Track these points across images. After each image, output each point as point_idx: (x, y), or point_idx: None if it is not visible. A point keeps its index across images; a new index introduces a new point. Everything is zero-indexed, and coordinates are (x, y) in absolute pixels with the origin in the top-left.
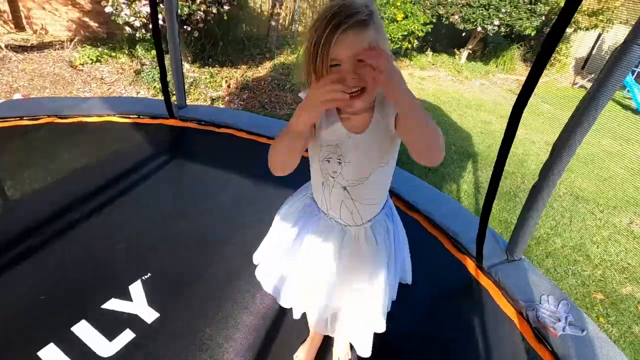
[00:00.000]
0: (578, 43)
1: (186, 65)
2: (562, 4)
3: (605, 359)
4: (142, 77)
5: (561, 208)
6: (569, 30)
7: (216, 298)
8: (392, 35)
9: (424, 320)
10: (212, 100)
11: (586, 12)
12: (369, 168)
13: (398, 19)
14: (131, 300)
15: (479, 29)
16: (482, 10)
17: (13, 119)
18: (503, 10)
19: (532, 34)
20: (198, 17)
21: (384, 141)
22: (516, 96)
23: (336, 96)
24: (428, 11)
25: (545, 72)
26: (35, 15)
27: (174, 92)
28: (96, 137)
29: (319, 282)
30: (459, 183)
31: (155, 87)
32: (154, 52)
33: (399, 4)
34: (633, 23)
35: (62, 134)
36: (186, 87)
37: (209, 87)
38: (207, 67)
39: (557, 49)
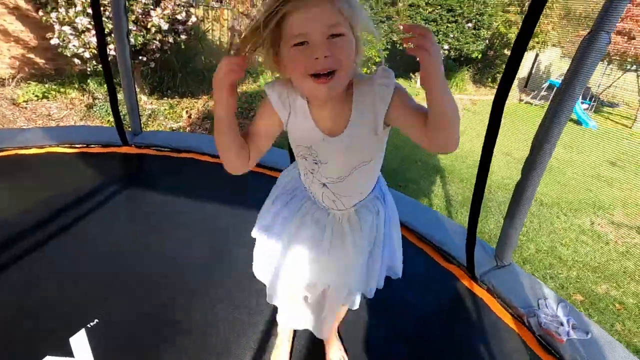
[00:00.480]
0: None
1: (143, 98)
2: (502, 29)
3: None
4: (95, 112)
5: (529, 214)
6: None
7: (180, 347)
8: None
9: (423, 335)
10: (173, 130)
11: None
12: (348, 168)
13: None
14: (72, 355)
15: None
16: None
17: None
18: (451, 35)
19: (479, 57)
20: (154, 47)
21: (367, 141)
22: (470, 113)
23: (232, 62)
24: (383, 38)
25: (494, 91)
26: None
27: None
28: (36, 171)
29: (306, 263)
30: (430, 197)
31: (109, 120)
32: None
33: None
34: (563, 45)
35: None
36: (144, 119)
37: (169, 119)
38: (166, 98)
39: (501, 70)
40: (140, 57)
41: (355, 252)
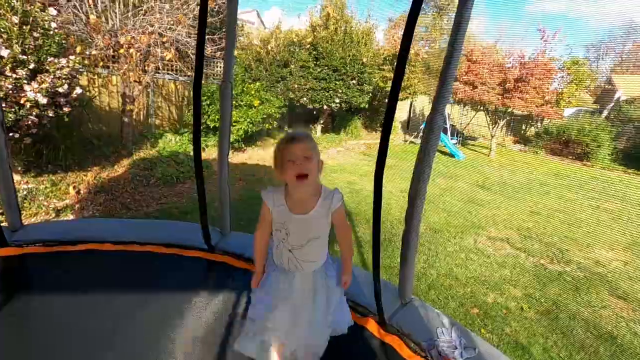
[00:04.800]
0: (399, 111)
1: (16, 177)
2: (380, 84)
3: None
4: None
5: (427, 243)
6: None
7: None
8: (252, 118)
9: None
10: (58, 211)
11: None
12: (305, 238)
13: (255, 104)
14: None
15: (325, 107)
16: (324, 92)
17: None
18: (340, 90)
19: (366, 107)
20: (29, 122)
21: (318, 224)
22: (367, 156)
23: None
24: (280, 96)
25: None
26: None
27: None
28: None
29: (291, 315)
30: None
31: None
32: None
33: (253, 92)
34: (429, 93)
35: None
36: (19, 201)
37: (52, 197)
38: (46, 174)
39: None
40: (11, 135)
41: (315, 308)
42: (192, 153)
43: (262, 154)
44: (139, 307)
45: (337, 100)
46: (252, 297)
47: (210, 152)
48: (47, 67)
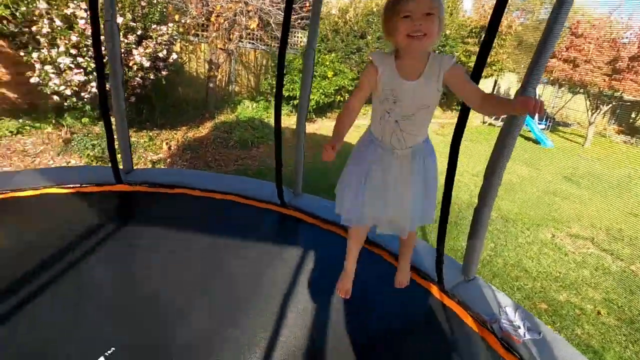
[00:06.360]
0: (482, 89)
1: None
2: (462, 58)
3: (563, 356)
4: (73, 146)
5: (496, 231)
6: None
7: None
8: (325, 90)
9: (402, 339)
10: (153, 163)
11: None
12: (415, 107)
13: (329, 76)
14: None
15: None
16: None
17: None
18: None
19: None
20: (135, 83)
21: (428, 91)
22: (440, 136)
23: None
24: (354, 68)
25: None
26: None
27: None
28: (34, 212)
29: (384, 190)
30: None
31: (88, 154)
32: (84, 119)
33: (327, 63)
34: (519, 71)
35: None
36: None
37: (149, 150)
38: (144, 130)
39: None
40: None
41: (413, 181)
42: (266, 120)
43: (331, 126)
44: (216, 244)
45: None
46: (344, 169)
47: (282, 121)
48: (151, 34)
